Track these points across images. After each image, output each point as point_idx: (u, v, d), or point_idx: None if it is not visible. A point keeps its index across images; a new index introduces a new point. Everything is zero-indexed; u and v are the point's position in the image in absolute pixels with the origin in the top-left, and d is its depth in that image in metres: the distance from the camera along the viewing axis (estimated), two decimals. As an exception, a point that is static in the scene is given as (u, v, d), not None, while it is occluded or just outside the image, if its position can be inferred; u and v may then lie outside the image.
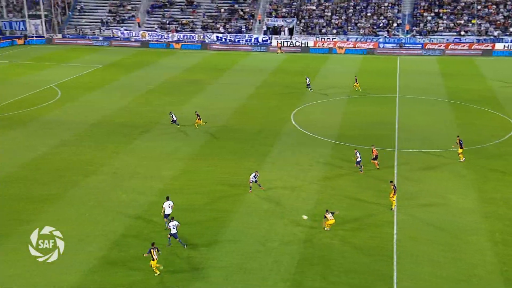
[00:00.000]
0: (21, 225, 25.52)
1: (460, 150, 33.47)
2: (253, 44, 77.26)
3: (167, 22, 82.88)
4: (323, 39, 76.04)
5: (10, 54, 72.99)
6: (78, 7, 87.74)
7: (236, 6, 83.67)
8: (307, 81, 52.20)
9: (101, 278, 21.83)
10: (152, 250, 21.90)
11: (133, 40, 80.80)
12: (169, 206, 25.70)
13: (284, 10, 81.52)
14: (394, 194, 27.51)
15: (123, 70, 62.79)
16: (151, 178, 31.21)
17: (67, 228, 25.22)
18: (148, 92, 51.79)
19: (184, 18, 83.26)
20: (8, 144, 36.36)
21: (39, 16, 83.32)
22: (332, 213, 25.32)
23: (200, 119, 40.49)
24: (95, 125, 41.16)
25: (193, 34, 79.32)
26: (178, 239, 23.91)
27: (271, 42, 77.06)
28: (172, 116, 40.86)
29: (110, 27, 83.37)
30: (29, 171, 31.87)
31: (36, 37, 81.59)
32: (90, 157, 34.34)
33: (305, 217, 26.13)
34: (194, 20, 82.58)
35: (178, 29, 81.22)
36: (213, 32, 79.50)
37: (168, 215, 25.46)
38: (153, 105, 47.07)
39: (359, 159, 31.96)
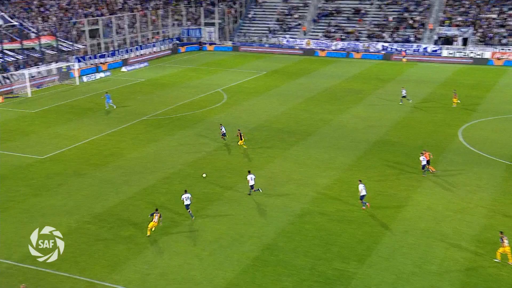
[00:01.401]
0: (185, 219, 27.47)
1: None
2: (421, 54, 74.00)
3: (333, 30, 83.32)
4: (502, 50, 69.78)
5: (187, 59, 79.70)
6: (249, 15, 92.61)
7: (405, 14, 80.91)
8: (403, 93, 49.29)
9: (251, 279, 22.55)
10: (154, 214, 25.50)
11: (297, 48, 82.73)
12: (251, 179, 29.80)
13: (459, 18, 76.63)
14: None
15: (286, 77, 64.44)
16: (305, 185, 31.51)
17: (224, 226, 26.65)
18: (308, 100, 52.48)
19: (350, 26, 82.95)
20: (178, 143, 39.61)
21: (213, 24, 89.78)
22: (502, 236, 22.90)
23: (241, 139, 37.13)
24: (255, 129, 42.85)
25: (357, 43, 78.59)
26: (189, 210, 27.27)
27: (441, 53, 73.00)
28: (222, 129, 38.68)
29: (276, 35, 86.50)
30: (194, 169, 34.32)
31: (209, 44, 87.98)
32: (248, 160, 35.82)
33: (204, 175, 31.32)
34: (359, 28, 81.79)
35: (343, 37, 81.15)
36: (378, 41, 77.87)
37: (253, 185, 29.76)
38: (312, 113, 47.57)
39: (424, 162, 32.01)
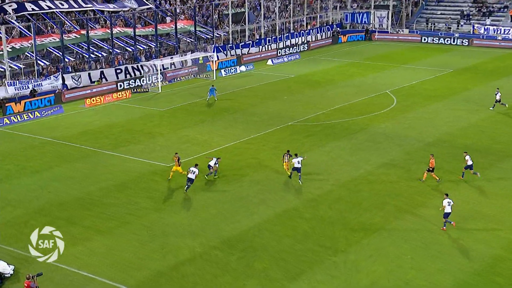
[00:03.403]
0: (333, 254, 27.42)
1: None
2: None
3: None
4: None
5: (348, 51, 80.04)
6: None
7: None
8: (497, 96, 48.65)
9: None
10: (285, 155, 35.54)
11: (500, 38, 78.65)
12: (298, 163, 34.57)
13: None
14: None
15: (480, 77, 61.87)
16: (498, 224, 29.81)
17: (383, 267, 26.09)
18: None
19: None
20: (329, 156, 39.75)
21: (386, 7, 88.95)
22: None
23: (179, 165, 35.51)
24: (432, 144, 41.58)
25: None
26: (188, 185, 33.76)
27: None
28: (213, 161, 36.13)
29: (471, 21, 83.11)
30: (348, 191, 34.20)
31: (379, 32, 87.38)
32: (420, 184, 34.82)
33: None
34: None
35: None
36: None
37: (298, 168, 34.60)
38: (516, 127, 45.07)
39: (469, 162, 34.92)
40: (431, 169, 34.97)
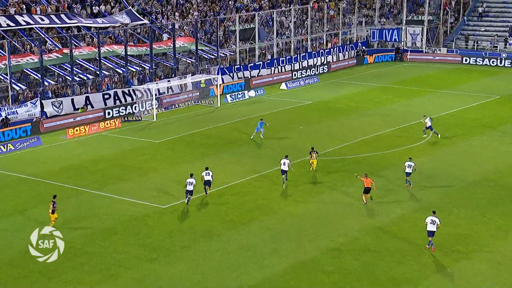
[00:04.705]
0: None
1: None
2: None
3: None
4: None
5: (376, 74, 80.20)
6: (479, 9, 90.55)
7: None
8: (427, 123, 51.06)
9: None
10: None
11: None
12: (284, 164, 40.05)
13: None
14: None
15: (532, 105, 61.87)
16: (557, 280, 29.37)
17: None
18: None
19: None
20: (354, 198, 39.50)
21: (420, 23, 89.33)
22: None
23: (54, 212, 34.27)
24: (476, 184, 41.44)
25: None
26: (188, 197, 37.46)
27: None
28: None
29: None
30: (377, 239, 33.88)
31: (411, 51, 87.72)
32: (465, 231, 34.51)
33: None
34: None
35: None
36: None
37: (285, 171, 40.26)
38: None
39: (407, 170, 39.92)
40: (365, 189, 37.70)
